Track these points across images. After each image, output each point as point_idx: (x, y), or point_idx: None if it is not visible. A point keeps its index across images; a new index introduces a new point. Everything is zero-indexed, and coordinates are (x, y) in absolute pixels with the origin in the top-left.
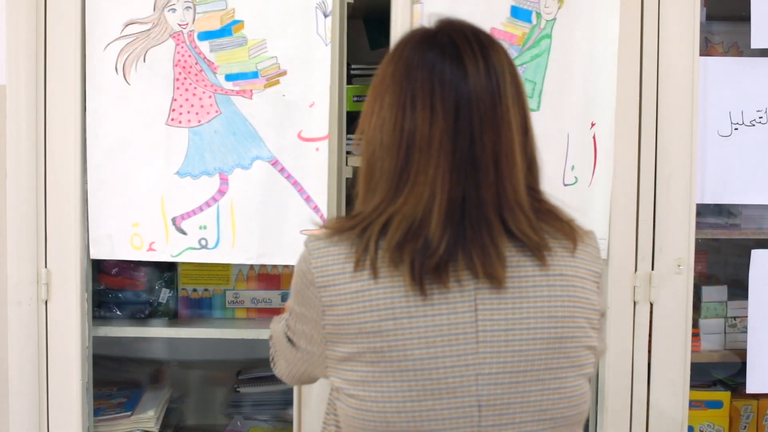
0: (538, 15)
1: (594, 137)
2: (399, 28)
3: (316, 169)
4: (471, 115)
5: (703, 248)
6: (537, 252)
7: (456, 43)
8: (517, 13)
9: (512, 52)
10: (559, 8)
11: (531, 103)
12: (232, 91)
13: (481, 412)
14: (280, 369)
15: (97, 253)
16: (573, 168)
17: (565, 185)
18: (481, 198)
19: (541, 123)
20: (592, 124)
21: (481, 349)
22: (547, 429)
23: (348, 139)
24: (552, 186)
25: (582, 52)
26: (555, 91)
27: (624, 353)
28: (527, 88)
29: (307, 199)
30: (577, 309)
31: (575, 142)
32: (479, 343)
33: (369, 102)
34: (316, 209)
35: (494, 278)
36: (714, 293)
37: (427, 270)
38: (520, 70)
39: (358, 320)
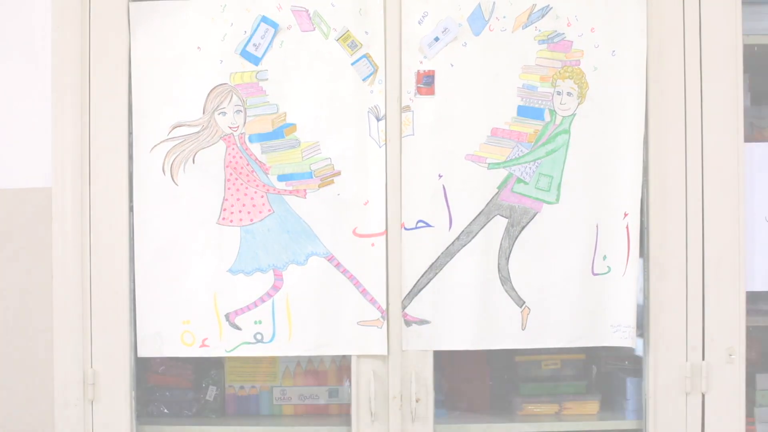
0: (552, 112)
1: (627, 227)
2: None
3: (373, 264)
4: None
5: (757, 334)
6: None
7: None
8: (525, 112)
9: (522, 149)
10: (579, 104)
11: (549, 197)
12: (285, 190)
13: None
14: None
15: (145, 352)
16: (605, 258)
17: (595, 274)
18: None
19: (561, 214)
20: (625, 214)
21: None
22: None
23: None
24: (580, 275)
25: (607, 144)
26: (577, 183)
27: None
28: (543, 182)
29: (364, 292)
30: None
31: (606, 232)
32: None
33: None
34: (372, 301)
35: None
36: None
37: None
38: (534, 165)
39: None
